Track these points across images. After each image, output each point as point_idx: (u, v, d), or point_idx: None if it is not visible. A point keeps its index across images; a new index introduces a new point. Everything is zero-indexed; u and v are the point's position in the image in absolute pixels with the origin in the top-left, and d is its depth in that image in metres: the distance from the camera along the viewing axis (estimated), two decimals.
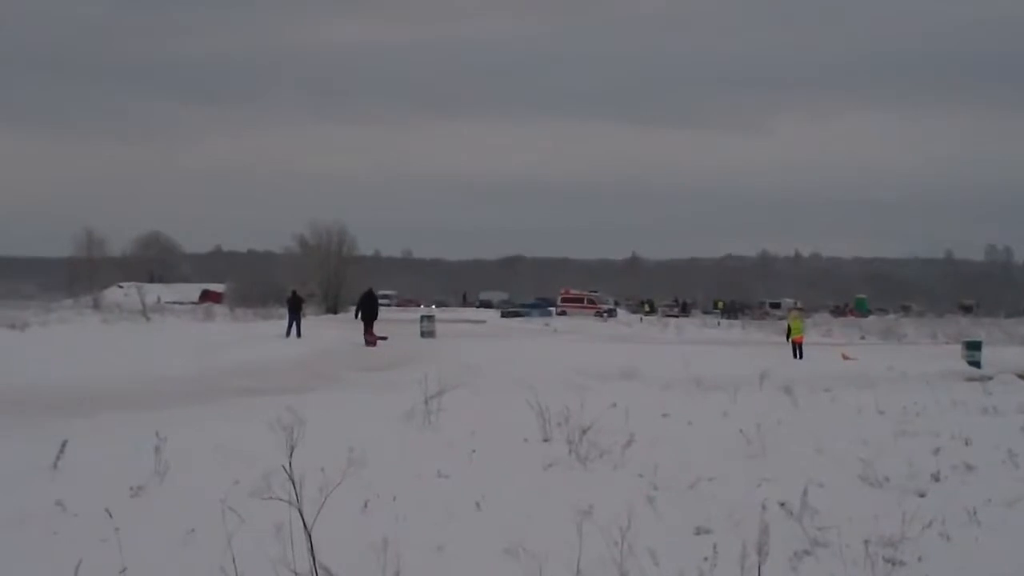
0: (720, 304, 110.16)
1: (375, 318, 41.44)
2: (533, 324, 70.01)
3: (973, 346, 38.20)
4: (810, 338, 44.79)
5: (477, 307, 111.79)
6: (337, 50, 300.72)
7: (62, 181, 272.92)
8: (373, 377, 25.74)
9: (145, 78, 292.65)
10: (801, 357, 38.21)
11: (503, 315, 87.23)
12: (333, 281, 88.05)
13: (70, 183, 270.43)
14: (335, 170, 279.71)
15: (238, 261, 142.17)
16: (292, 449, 7.54)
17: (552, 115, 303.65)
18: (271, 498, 7.43)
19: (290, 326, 43.10)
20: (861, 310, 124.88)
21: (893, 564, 7.93)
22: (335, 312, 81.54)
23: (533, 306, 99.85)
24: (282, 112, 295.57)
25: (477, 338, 47.39)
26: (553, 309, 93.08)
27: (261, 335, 41.34)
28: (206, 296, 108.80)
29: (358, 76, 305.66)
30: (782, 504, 9.18)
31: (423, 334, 46.50)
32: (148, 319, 53.55)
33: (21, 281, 66.36)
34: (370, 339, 40.16)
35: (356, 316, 42.82)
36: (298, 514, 7.02)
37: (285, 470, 7.30)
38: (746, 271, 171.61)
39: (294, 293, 46.37)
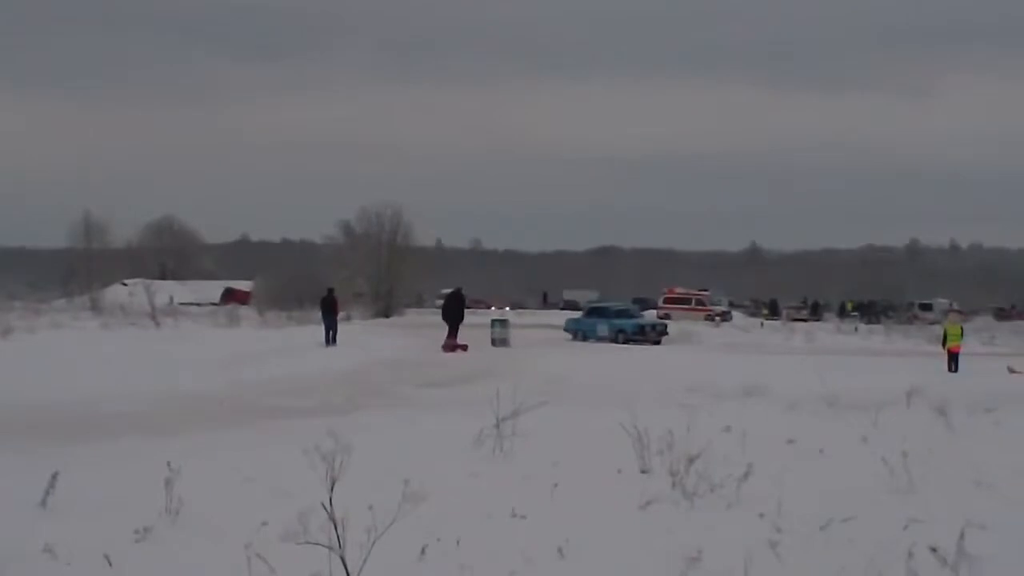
0: (850, 305, 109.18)
1: (461, 322, 42.33)
2: None
3: None
4: (969, 347, 44.26)
5: (561, 309, 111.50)
6: None
7: (56, 154, 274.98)
8: (434, 394, 25.84)
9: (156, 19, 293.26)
10: (957, 371, 37.84)
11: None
12: (385, 278, 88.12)
13: (66, 156, 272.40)
14: (390, 143, 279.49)
15: (269, 253, 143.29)
16: (334, 482, 7.57)
17: (656, 76, 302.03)
18: (308, 543, 7.45)
19: (328, 331, 43.55)
20: None
21: None
22: (387, 315, 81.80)
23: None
24: (330, 72, 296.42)
25: (560, 347, 47.54)
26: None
27: (298, 344, 41.71)
28: (230, 296, 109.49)
29: (412, 24, 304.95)
30: (934, 550, 9.06)
31: (495, 342, 46.76)
32: (158, 324, 53.98)
33: (5, 277, 67.26)
34: (450, 345, 40.76)
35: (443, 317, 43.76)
36: (340, 562, 7.02)
37: (325, 508, 7.32)
38: (892, 265, 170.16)
39: (330, 292, 46.77)
